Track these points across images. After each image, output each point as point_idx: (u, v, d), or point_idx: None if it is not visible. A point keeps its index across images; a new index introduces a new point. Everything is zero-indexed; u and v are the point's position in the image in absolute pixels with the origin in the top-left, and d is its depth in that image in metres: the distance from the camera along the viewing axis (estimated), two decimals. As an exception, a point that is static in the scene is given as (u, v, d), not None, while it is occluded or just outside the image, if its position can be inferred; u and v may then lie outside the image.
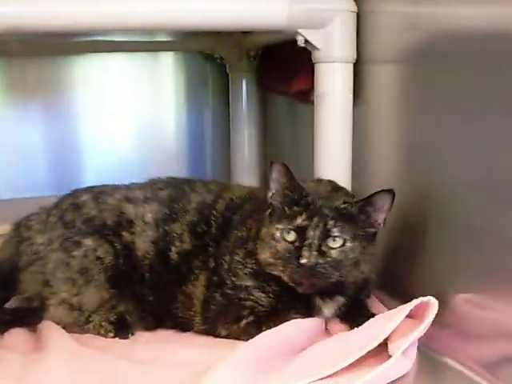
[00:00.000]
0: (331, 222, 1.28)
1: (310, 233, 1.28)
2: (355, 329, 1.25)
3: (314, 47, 1.52)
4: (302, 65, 1.66)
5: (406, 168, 1.47)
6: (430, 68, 1.34)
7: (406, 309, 1.21)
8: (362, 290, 1.41)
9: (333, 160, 1.57)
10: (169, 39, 2.15)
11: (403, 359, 1.17)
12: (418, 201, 1.41)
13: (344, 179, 1.54)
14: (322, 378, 1.11)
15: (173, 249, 1.46)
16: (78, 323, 1.44)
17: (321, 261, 1.28)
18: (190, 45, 2.18)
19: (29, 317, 1.45)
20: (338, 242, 1.29)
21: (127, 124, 2.29)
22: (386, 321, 1.20)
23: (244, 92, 2.16)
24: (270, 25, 1.49)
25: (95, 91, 2.23)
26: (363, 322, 1.25)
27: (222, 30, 1.62)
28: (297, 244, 1.29)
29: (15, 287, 1.51)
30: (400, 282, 1.47)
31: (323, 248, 1.28)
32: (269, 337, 1.23)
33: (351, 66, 1.55)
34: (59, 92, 2.20)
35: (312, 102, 1.61)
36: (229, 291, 1.38)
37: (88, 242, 1.46)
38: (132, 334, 1.43)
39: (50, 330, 1.37)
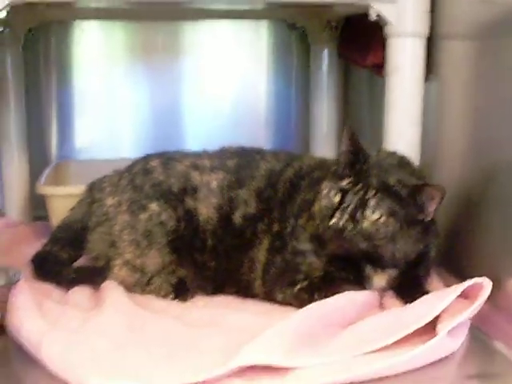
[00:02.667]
0: (371, 193, 1.28)
1: (349, 197, 1.29)
2: (406, 305, 1.25)
3: (386, 21, 1.51)
4: (378, 38, 1.64)
5: (474, 147, 1.44)
6: (506, 45, 1.31)
7: (458, 289, 1.20)
8: (418, 265, 1.39)
9: (402, 135, 1.57)
10: (253, 7, 2.15)
11: (449, 339, 1.17)
12: (482, 180, 1.40)
13: (413, 154, 1.52)
14: (365, 353, 1.12)
15: (237, 213, 1.48)
16: (140, 284, 1.49)
17: (349, 227, 1.28)
18: (273, 13, 2.19)
19: (93, 276, 1.50)
20: (373, 215, 1.28)
21: (221, 90, 2.33)
22: (437, 300, 1.19)
23: (325, 63, 2.16)
24: (341, -1, 1.48)
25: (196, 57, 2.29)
26: (416, 299, 1.24)
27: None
28: (336, 205, 1.30)
29: (84, 247, 1.57)
30: (460, 262, 1.46)
31: (357, 215, 1.28)
32: (319, 308, 1.24)
33: (424, 41, 1.53)
34: (166, 56, 2.28)
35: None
36: (288, 256, 1.40)
37: (153, 206, 1.50)
38: (192, 298, 1.47)
39: (111, 289, 1.42)
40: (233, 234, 1.48)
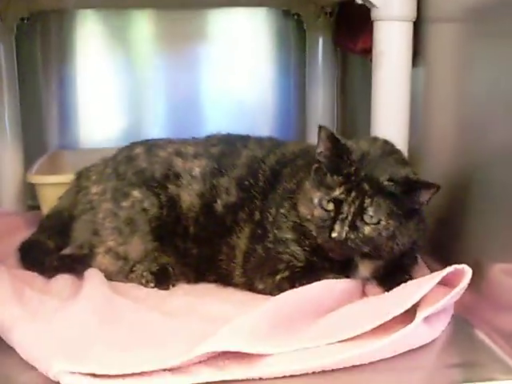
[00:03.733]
0: (368, 200, 1.25)
1: (345, 207, 1.26)
2: (386, 293, 1.23)
3: (372, 4, 1.48)
4: (367, 22, 1.61)
5: (462, 133, 1.41)
6: (495, 27, 1.27)
7: (437, 276, 1.17)
8: (405, 254, 1.37)
9: (390, 120, 1.54)
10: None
11: (427, 327, 1.14)
12: (468, 167, 1.37)
13: (400, 140, 1.49)
14: (341, 341, 1.10)
15: (219, 201, 1.47)
16: (123, 272, 1.48)
17: (352, 236, 1.26)
18: (266, 1, 2.17)
19: (76, 264, 1.50)
20: (373, 220, 1.26)
21: (221, 79, 2.32)
22: (416, 287, 1.17)
23: (320, 50, 2.14)
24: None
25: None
26: (396, 287, 1.23)
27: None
28: (332, 215, 1.27)
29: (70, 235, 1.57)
30: (447, 249, 1.43)
31: (357, 223, 1.26)
32: (294, 295, 1.22)
33: (411, 25, 1.50)
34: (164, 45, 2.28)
35: (374, 61, 1.57)
36: (269, 245, 1.39)
37: (136, 193, 1.49)
38: (173, 286, 1.46)
39: (91, 277, 1.41)
40: (214, 221, 1.46)
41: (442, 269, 1.20)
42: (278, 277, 1.37)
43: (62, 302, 1.29)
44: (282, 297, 1.21)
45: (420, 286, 1.16)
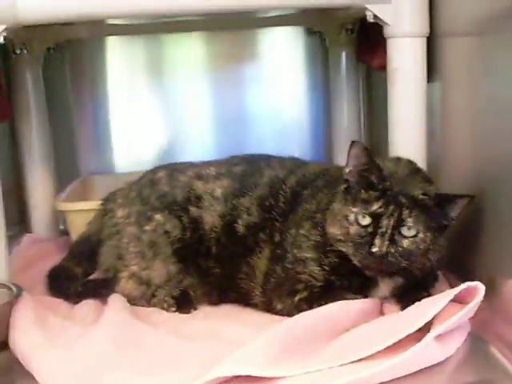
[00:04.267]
0: (406, 212, 1.26)
1: (385, 221, 1.26)
2: (400, 312, 1.23)
3: (384, 22, 1.48)
4: (382, 39, 1.61)
5: (480, 148, 1.40)
6: (509, 39, 1.26)
7: (450, 294, 1.17)
8: (427, 272, 1.36)
9: (407, 137, 1.54)
10: (268, 15, 2.14)
11: (439, 345, 1.14)
12: (486, 182, 1.36)
13: (418, 157, 1.49)
14: (353, 362, 1.10)
15: (240, 221, 1.48)
16: (145, 297, 1.50)
17: (392, 250, 1.26)
18: (291, 20, 2.16)
19: (100, 289, 1.52)
20: (411, 232, 1.26)
21: (255, 98, 2.33)
22: (429, 305, 1.17)
23: (343, 66, 2.14)
24: (335, 1, 1.48)
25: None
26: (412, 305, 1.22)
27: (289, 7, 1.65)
28: (370, 230, 1.27)
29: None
30: (463, 265, 1.42)
31: (396, 237, 1.26)
32: (308, 317, 1.23)
33: (424, 41, 1.50)
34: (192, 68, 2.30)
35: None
36: (288, 265, 1.39)
37: (158, 216, 1.51)
38: (195, 309, 1.48)
39: (113, 302, 1.43)
40: (236, 241, 1.48)
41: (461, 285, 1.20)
42: (297, 298, 1.37)
43: (84, 328, 1.31)
44: (296, 318, 1.22)
45: (433, 304, 1.16)
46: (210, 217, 1.50)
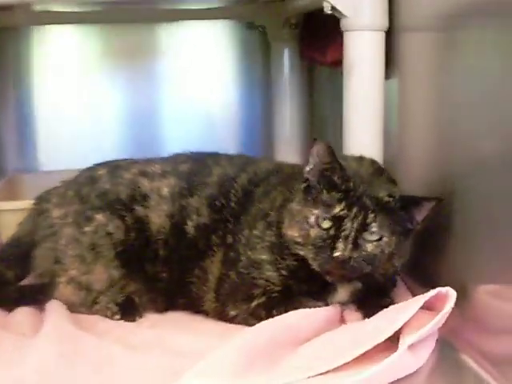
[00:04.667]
0: (371, 216, 1.19)
1: (348, 224, 1.19)
2: (366, 319, 1.17)
3: (342, 14, 1.42)
4: (337, 33, 1.55)
5: (439, 146, 1.35)
6: (470, 36, 1.21)
7: (420, 300, 1.11)
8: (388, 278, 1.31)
9: (363, 133, 1.48)
10: (210, 6, 2.07)
11: (411, 355, 1.07)
12: (447, 182, 1.30)
13: (374, 156, 1.42)
14: (320, 374, 1.03)
15: (189, 222, 1.39)
16: (86, 303, 1.39)
17: (355, 255, 1.19)
18: (230, 12, 2.10)
19: (37, 295, 1.40)
20: (375, 236, 1.20)
21: (185, 93, 2.25)
22: (398, 312, 1.11)
23: (286, 62, 2.08)
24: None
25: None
26: (377, 312, 1.17)
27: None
28: (331, 233, 1.20)
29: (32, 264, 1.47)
30: (427, 271, 1.35)
31: (359, 241, 1.19)
32: (269, 326, 1.15)
33: (383, 35, 1.44)
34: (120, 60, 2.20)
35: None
36: (242, 269, 1.31)
37: (99, 217, 1.41)
38: (140, 317, 1.37)
39: (53, 311, 1.32)
40: (185, 244, 1.39)
41: (421, 290, 1.15)
42: (254, 303, 1.29)
43: (21, 340, 1.20)
44: (258, 327, 1.14)
45: (402, 311, 1.10)
46: (158, 217, 1.41)
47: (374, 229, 1.19)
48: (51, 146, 2.20)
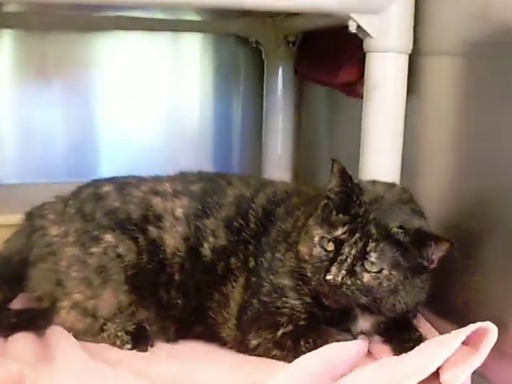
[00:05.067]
0: (372, 245, 1.13)
1: (346, 249, 1.14)
2: (404, 354, 1.11)
3: (367, 34, 1.37)
4: (350, 54, 1.52)
5: (461, 172, 1.32)
6: (497, 64, 1.20)
7: (461, 335, 1.07)
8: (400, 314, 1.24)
9: (381, 159, 1.43)
10: (198, 19, 2.01)
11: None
12: (473, 208, 1.27)
13: (392, 177, 1.39)
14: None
15: (206, 245, 1.32)
16: (92, 331, 1.30)
17: (348, 282, 1.14)
18: (222, 27, 2.04)
19: (36, 320, 1.31)
20: (374, 268, 1.14)
21: (150, 108, 2.14)
22: (438, 347, 1.07)
23: (280, 80, 2.02)
24: (318, 6, 1.34)
25: (114, 71, 2.08)
26: (409, 346, 1.14)
27: (262, 10, 1.52)
28: (331, 256, 1.15)
29: (23, 284, 1.37)
30: (449, 302, 1.32)
31: (356, 268, 1.14)
32: (309, 360, 1.09)
33: (407, 57, 1.40)
34: (75, 69, 2.05)
35: (360, 96, 1.47)
36: (265, 298, 1.25)
37: (108, 237, 1.32)
38: (151, 346, 1.29)
39: (59, 337, 1.23)
40: (202, 268, 1.32)
41: (441, 321, 1.19)
42: (280, 332, 1.22)
43: (32, 368, 1.09)
44: (297, 363, 1.08)
45: (443, 346, 1.06)
46: (172, 238, 1.33)
47: (373, 259, 1.13)
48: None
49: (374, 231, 1.14)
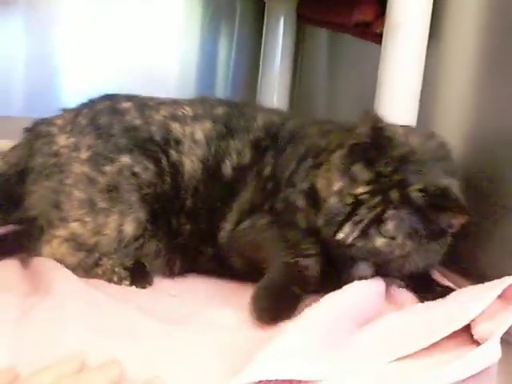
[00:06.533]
0: (391, 212, 1.04)
1: (363, 211, 1.05)
2: (433, 303, 1.06)
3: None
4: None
5: (478, 121, 1.26)
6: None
7: (497, 288, 1.02)
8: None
9: (399, 103, 1.36)
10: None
11: (495, 347, 0.95)
12: (488, 161, 1.22)
13: (408, 120, 1.33)
14: (398, 359, 0.92)
15: (228, 163, 1.25)
16: (84, 266, 1.19)
17: (359, 244, 1.06)
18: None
19: (21, 247, 1.19)
20: (389, 234, 1.05)
21: (127, 48, 2.05)
22: (473, 300, 1.01)
23: (281, 23, 1.94)
24: None
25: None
26: (436, 296, 1.09)
27: None
28: (346, 211, 1.06)
29: (20, 201, 1.23)
30: (463, 258, 1.25)
31: (370, 231, 1.05)
32: (332, 305, 1.00)
33: (431, -6, 1.33)
34: None
35: (376, 37, 1.40)
36: (278, 213, 1.18)
37: (126, 159, 1.21)
38: (150, 285, 1.20)
39: (51, 266, 1.12)
40: (219, 187, 1.24)
41: (456, 277, 1.16)
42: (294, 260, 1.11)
43: (27, 300, 1.01)
44: (318, 307, 0.99)
45: (478, 299, 1.00)
46: (191, 162, 1.24)
47: (389, 226, 1.05)
48: None
49: (395, 196, 1.05)
